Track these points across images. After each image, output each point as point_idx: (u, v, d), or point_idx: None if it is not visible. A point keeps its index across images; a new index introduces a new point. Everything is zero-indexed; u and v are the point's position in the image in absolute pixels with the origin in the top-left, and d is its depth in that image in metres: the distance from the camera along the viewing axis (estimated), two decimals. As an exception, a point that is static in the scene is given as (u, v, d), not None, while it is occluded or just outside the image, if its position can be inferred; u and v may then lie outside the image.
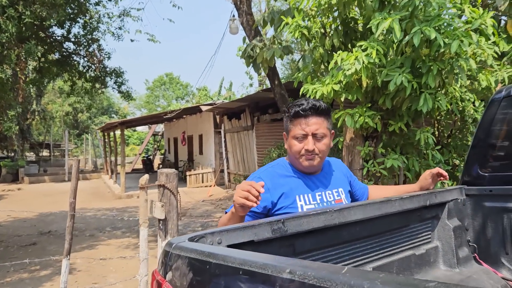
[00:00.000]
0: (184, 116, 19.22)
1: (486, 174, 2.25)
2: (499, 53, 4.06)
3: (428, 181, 2.07)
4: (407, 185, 2.23)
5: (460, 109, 4.43)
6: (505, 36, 4.28)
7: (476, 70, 3.70)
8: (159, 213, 2.91)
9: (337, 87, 3.99)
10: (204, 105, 15.53)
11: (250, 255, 0.91)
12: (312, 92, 4.13)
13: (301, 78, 4.76)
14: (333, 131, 1.96)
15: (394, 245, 1.92)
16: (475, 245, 2.19)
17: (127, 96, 9.59)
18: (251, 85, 32.72)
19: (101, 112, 37.54)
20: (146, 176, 3.02)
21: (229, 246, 1.26)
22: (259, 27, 7.68)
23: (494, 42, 3.90)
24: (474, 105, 4.58)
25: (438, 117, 4.68)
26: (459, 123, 4.57)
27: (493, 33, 3.46)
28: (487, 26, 3.29)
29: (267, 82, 31.39)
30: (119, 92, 9.66)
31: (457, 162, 4.69)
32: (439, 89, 3.76)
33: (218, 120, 16.05)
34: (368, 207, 1.72)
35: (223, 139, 15.70)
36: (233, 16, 10.37)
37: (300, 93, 4.40)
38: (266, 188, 1.75)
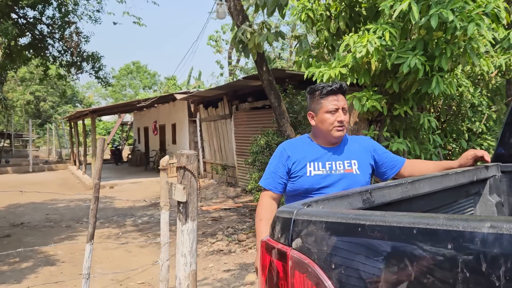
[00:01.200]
0: (156, 105, 18.81)
1: (522, 151, 2.30)
2: (498, 39, 4.17)
3: (469, 161, 2.11)
4: (446, 161, 2.25)
5: (458, 94, 4.53)
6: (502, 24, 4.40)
7: (480, 55, 3.78)
8: (180, 196, 2.81)
9: (344, 71, 3.98)
10: (179, 94, 15.24)
11: (413, 216, 0.86)
12: (318, 75, 4.10)
13: (302, 62, 4.72)
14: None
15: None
16: (511, 221, 2.23)
17: (105, 82, 9.25)
18: (221, 74, 32.47)
19: (65, 101, 36.16)
20: (167, 157, 2.90)
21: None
22: (250, 11, 7.56)
23: (493, 28, 4.00)
24: (469, 91, 4.69)
25: (435, 103, 4.77)
26: (455, 108, 4.68)
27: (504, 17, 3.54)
28: (500, 10, 3.36)
29: (238, 72, 31.21)
30: (97, 78, 9.31)
31: (451, 146, 4.80)
32: (449, 72, 3.82)
33: (193, 109, 15.81)
34: (433, 180, 1.71)
35: (198, 128, 15.49)
36: (221, 0, 10.17)
37: (306, 76, 4.37)
38: (287, 156, 2.23)
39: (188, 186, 2.86)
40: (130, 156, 23.31)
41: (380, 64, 3.81)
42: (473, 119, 4.61)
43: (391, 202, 1.51)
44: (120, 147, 25.77)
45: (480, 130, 4.81)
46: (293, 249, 1.00)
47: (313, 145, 2.25)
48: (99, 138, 2.65)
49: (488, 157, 2.06)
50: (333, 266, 0.90)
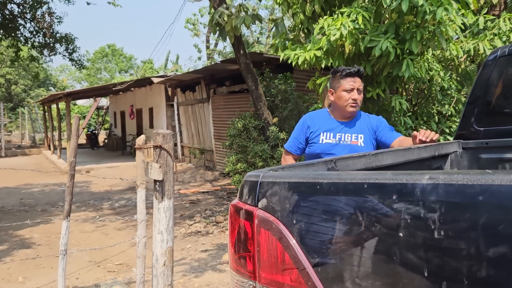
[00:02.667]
0: (132, 88, 18.56)
1: (481, 129, 2.43)
2: (467, 25, 4.31)
3: (415, 141, 2.38)
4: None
5: (428, 78, 4.68)
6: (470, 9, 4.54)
7: (449, 39, 3.91)
8: (157, 174, 2.85)
9: (319, 53, 4.05)
10: (155, 77, 15.07)
11: (364, 173, 0.95)
12: (294, 58, 4.16)
13: (278, 45, 4.77)
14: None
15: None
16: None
17: (79, 64, 9.08)
18: (199, 58, 32.21)
19: (38, 85, 35.21)
20: (143, 136, 2.93)
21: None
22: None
23: (462, 14, 4.14)
24: (439, 75, 4.85)
25: (407, 86, 4.92)
26: (426, 92, 4.84)
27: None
28: (467, -5, 3.48)
29: (216, 56, 30.91)
30: (71, 60, 9.13)
31: (422, 128, 4.96)
32: (419, 56, 3.94)
33: (170, 93, 15.68)
34: (395, 153, 1.81)
35: (175, 112, 15.40)
36: (197, -18, 10.04)
37: (281, 59, 4.43)
38: (307, 126, 2.70)
39: (164, 165, 2.91)
40: (106, 140, 23.01)
41: (354, 47, 3.90)
42: (442, 102, 4.77)
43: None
44: (96, 131, 25.38)
45: (449, 113, 4.99)
46: (259, 208, 1.08)
47: (329, 118, 2.68)
48: (74, 116, 2.66)
49: (424, 135, 2.26)
50: (294, 222, 0.99)
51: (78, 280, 4.92)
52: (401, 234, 0.84)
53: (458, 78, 5.12)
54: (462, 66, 5.22)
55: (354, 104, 2.57)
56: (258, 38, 29.26)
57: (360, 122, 2.66)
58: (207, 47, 29.21)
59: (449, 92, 4.78)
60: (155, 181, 2.93)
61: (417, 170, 2.13)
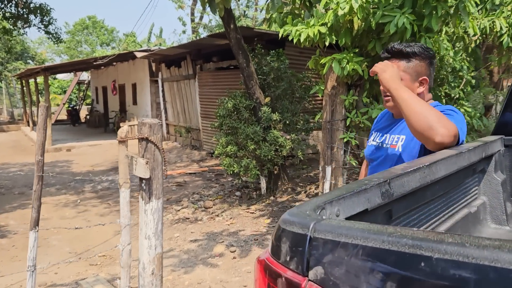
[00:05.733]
0: (115, 63, 17.77)
1: (528, 123, 2.07)
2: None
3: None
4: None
5: (439, 58, 4.30)
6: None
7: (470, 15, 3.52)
8: (143, 172, 2.44)
9: (324, 29, 3.62)
10: (139, 51, 14.39)
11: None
12: (295, 34, 3.73)
13: (276, 19, 4.31)
14: (424, 77, 1.86)
15: (454, 203, 1.69)
16: (513, 200, 2.03)
17: (56, 38, 8.44)
18: (184, 32, 31.23)
19: (15, 58, 33.73)
20: (126, 126, 2.50)
21: (347, 218, 0.92)
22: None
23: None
24: (450, 55, 4.47)
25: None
26: (434, 73, 4.46)
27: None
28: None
29: (201, 30, 30.04)
30: (47, 33, 8.47)
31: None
32: (439, 33, 3.55)
33: (154, 68, 15.03)
34: (448, 161, 1.44)
35: (160, 89, 14.80)
36: None
37: (280, 35, 3.99)
38: (375, 121, 2.22)
39: (151, 160, 2.50)
40: (88, 116, 22.27)
41: (363, 23, 3.48)
42: (452, 84, 4.41)
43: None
44: (77, 107, 24.53)
45: (457, 95, 4.64)
46: (311, 281, 0.70)
47: (388, 115, 2.09)
48: (41, 105, 2.22)
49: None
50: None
51: (57, 275, 4.53)
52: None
53: (468, 58, 4.75)
54: (472, 45, 4.85)
55: (386, 98, 1.91)
56: (244, 12, 28.38)
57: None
58: (192, 20, 28.22)
59: (460, 73, 4.41)
60: (141, 179, 2.52)
61: (464, 176, 1.77)
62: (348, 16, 3.41)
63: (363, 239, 0.65)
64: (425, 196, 1.37)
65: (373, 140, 2.06)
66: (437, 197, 1.50)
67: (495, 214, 1.89)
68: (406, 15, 3.15)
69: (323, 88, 4.13)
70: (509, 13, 4.27)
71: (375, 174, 1.21)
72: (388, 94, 1.87)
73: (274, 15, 4.33)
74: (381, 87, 1.92)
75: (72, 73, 23.69)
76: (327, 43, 3.83)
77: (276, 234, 0.80)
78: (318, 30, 3.63)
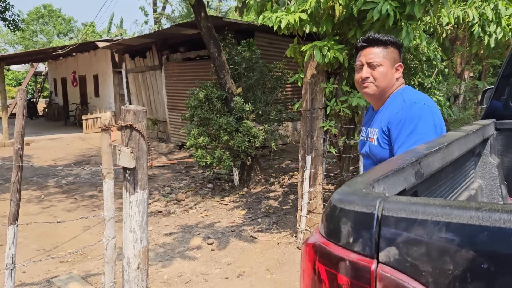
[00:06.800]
0: (74, 53, 17.08)
1: (519, 107, 2.11)
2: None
3: None
4: None
5: (413, 47, 4.36)
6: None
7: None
8: (127, 161, 2.32)
9: (304, 16, 3.58)
10: (101, 41, 13.87)
11: None
12: (275, 21, 3.66)
13: (254, 6, 4.23)
14: (399, 63, 1.97)
15: (457, 186, 1.69)
16: (505, 183, 2.07)
17: (13, 25, 7.98)
18: (146, 22, 30.49)
19: (-36, 48, 31.80)
20: (109, 113, 2.37)
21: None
22: None
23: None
24: (424, 44, 4.54)
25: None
26: (408, 62, 4.52)
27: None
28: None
29: (163, 20, 29.38)
30: (3, 20, 7.99)
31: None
32: (418, 22, 3.58)
33: (117, 59, 14.54)
34: (460, 142, 1.43)
35: (124, 80, 14.36)
36: None
37: (260, 22, 3.91)
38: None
39: (136, 149, 2.38)
40: (46, 109, 21.35)
41: (345, 10, 3.46)
42: (426, 73, 4.49)
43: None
44: (35, 99, 23.47)
45: (429, 85, 4.74)
46: (381, 263, 0.64)
47: (370, 107, 2.13)
48: (20, 89, 2.04)
49: None
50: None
51: (26, 274, 4.29)
52: None
53: (440, 48, 4.85)
54: (444, 34, 4.95)
55: (364, 84, 1.93)
56: (208, 2, 28.01)
57: (383, 111, 1.95)
58: (154, 11, 27.57)
59: (434, 62, 4.50)
60: (125, 169, 2.39)
61: (467, 159, 1.77)
62: (330, 2, 3.37)
63: (445, 215, 0.60)
64: (440, 178, 1.35)
65: (361, 136, 2.13)
66: (447, 179, 1.49)
67: (491, 196, 1.91)
68: (389, 1, 3.15)
69: (303, 77, 4.09)
70: (480, 3, 4.39)
71: (401, 154, 1.17)
72: (370, 81, 1.90)
73: (251, 2, 4.23)
74: (362, 75, 1.93)
75: (28, 64, 22.59)
76: (307, 31, 3.78)
77: (330, 215, 0.74)
78: (299, 17, 3.57)
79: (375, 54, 1.90)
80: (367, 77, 1.91)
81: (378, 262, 0.65)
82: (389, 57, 1.92)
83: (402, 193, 0.92)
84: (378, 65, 1.90)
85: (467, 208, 0.59)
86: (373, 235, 0.66)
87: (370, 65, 1.90)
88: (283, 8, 3.82)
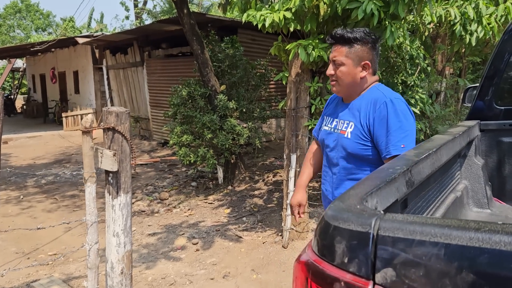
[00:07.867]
0: (53, 49, 16.71)
1: (502, 108, 2.12)
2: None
3: None
4: None
5: (397, 45, 4.37)
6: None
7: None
8: (110, 164, 2.26)
9: (289, 15, 3.55)
10: (81, 37, 13.61)
11: None
12: (259, 19, 3.63)
13: (238, 2, 4.18)
14: (366, 61, 1.92)
15: (444, 189, 1.69)
16: (489, 183, 2.09)
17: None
18: (127, 17, 30.07)
19: None
20: (90, 115, 2.30)
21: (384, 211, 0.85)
22: None
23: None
24: (407, 43, 4.56)
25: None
26: (392, 60, 4.55)
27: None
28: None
29: (145, 16, 29.00)
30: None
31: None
32: (402, 21, 3.58)
33: (98, 55, 14.29)
34: (448, 146, 1.42)
35: (105, 77, 14.12)
36: None
37: (244, 20, 3.87)
38: (326, 106, 2.26)
39: (119, 152, 2.33)
40: (24, 106, 20.87)
41: (329, 9, 3.44)
42: (410, 72, 4.53)
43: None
44: (12, 96, 22.92)
45: (412, 83, 4.77)
46: (378, 285, 0.62)
47: (338, 99, 2.12)
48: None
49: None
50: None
51: (4, 278, 4.17)
52: None
53: (422, 46, 4.89)
54: (426, 33, 4.99)
55: (332, 82, 1.98)
56: (191, -2, 27.72)
57: (357, 105, 1.93)
58: (135, 6, 27.19)
59: (417, 61, 4.53)
60: (108, 172, 2.33)
61: (453, 161, 1.77)
62: (314, 1, 3.36)
63: (444, 236, 0.58)
64: (429, 183, 1.35)
65: (325, 125, 2.11)
66: (435, 183, 1.49)
67: (476, 198, 1.92)
68: (374, 1, 3.14)
69: (287, 75, 4.07)
70: (462, 2, 4.43)
71: (390, 162, 1.16)
72: (334, 78, 1.96)
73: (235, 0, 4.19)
74: (327, 72, 1.98)
75: (5, 60, 22.04)
76: (291, 29, 3.76)
77: (324, 232, 0.72)
78: (284, 15, 3.54)
79: (338, 52, 1.92)
80: (332, 74, 1.95)
81: (375, 283, 0.63)
82: (352, 56, 1.90)
83: (394, 203, 0.91)
84: (340, 64, 1.92)
85: (466, 228, 0.58)
86: (369, 255, 0.64)
87: (334, 63, 1.94)
88: (267, 6, 3.79)
